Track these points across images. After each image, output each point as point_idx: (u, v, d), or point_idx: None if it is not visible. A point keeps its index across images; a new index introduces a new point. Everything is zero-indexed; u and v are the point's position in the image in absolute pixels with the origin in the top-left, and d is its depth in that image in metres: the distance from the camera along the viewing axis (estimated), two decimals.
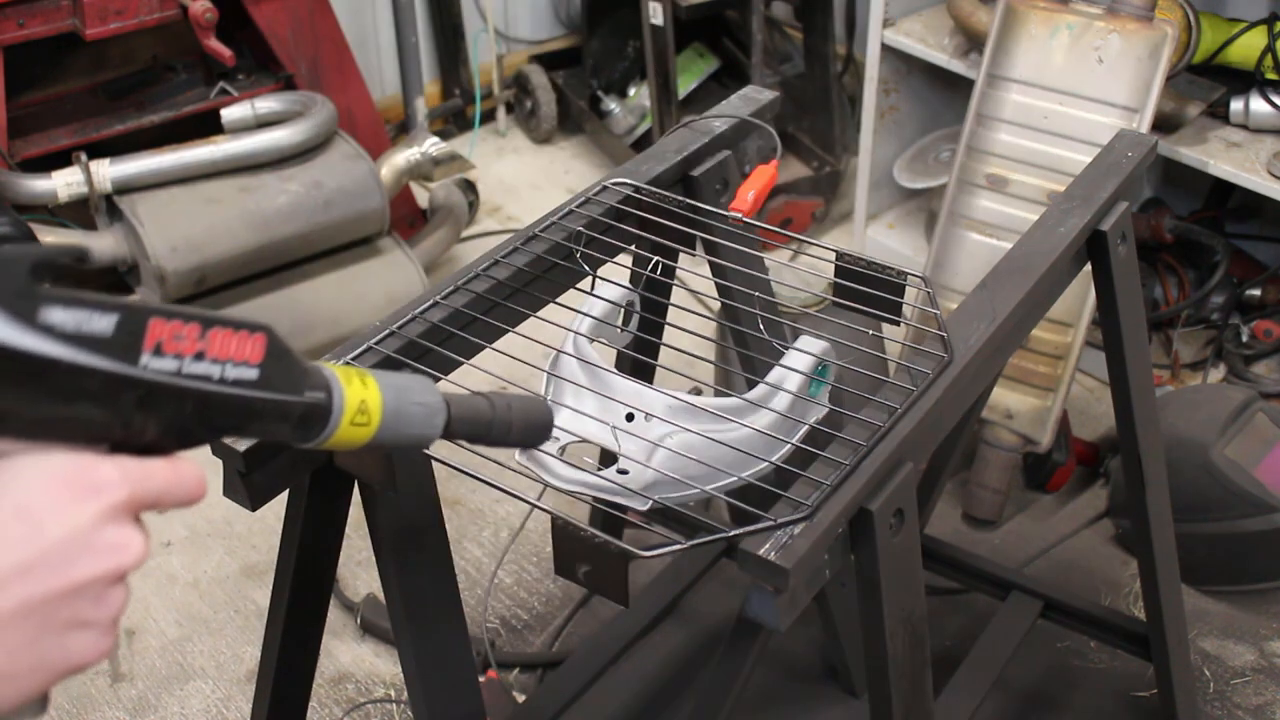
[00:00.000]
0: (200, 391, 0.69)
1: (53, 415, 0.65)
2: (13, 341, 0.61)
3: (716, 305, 2.15)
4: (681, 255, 1.68)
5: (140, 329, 0.66)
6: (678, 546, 1.01)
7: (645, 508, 1.15)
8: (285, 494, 1.25)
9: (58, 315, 0.63)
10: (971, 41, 2.70)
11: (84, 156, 2.60)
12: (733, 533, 1.03)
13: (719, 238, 1.52)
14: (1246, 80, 2.48)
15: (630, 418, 1.26)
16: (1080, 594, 2.09)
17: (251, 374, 0.72)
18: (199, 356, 0.69)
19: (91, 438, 0.67)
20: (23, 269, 0.62)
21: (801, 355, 1.23)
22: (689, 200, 1.51)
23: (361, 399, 0.82)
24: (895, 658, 1.20)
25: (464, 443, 0.92)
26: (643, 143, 3.48)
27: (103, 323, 0.65)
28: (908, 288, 1.30)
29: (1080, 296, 2.30)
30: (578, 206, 1.47)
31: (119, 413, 0.66)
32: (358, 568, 2.36)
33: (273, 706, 1.41)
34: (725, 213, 1.47)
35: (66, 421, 0.65)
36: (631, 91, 3.64)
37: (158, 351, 0.67)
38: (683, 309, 1.41)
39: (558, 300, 1.41)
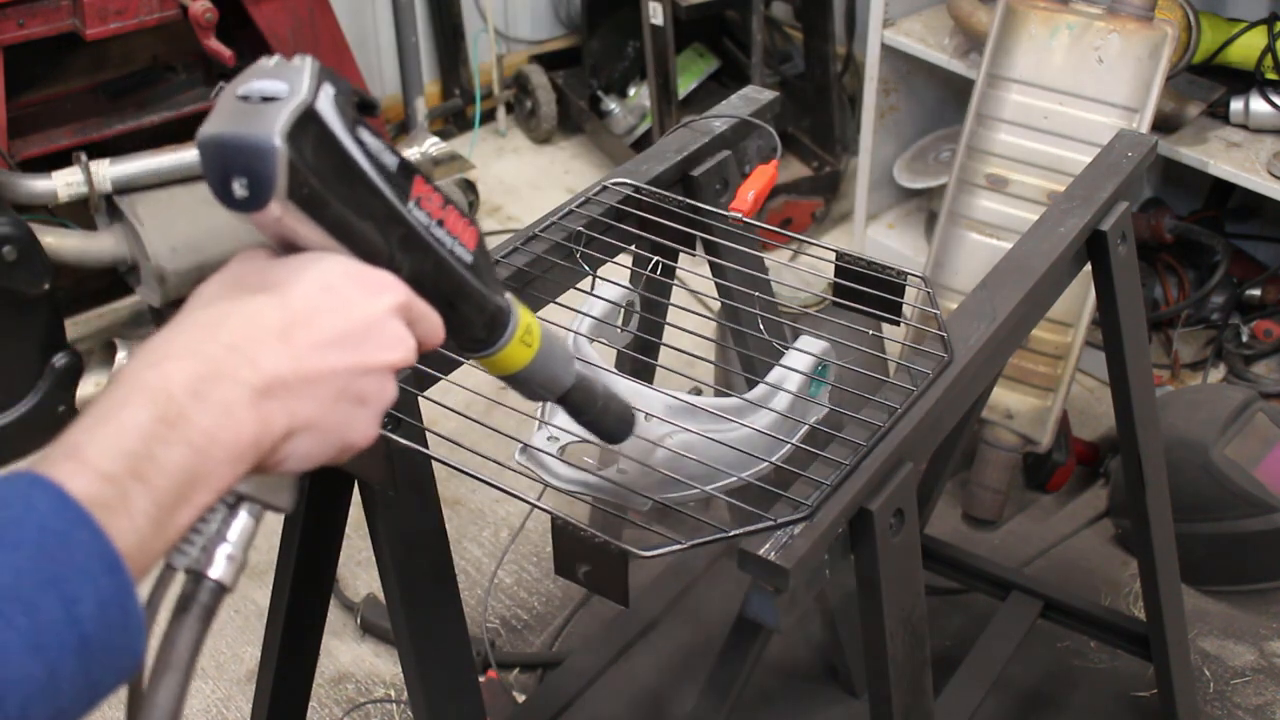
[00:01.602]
0: (437, 254, 0.81)
1: (349, 222, 0.75)
2: (343, 140, 0.73)
3: (716, 305, 2.15)
4: (681, 255, 1.68)
5: (410, 179, 0.78)
6: (678, 546, 1.01)
7: (645, 508, 1.15)
8: None
9: (367, 136, 0.75)
10: (971, 41, 2.70)
11: (84, 156, 2.60)
12: (733, 533, 1.03)
13: (719, 238, 1.52)
14: (1246, 80, 2.48)
15: None
16: (1080, 594, 2.09)
17: (468, 257, 0.84)
18: (440, 223, 0.81)
19: (369, 259, 0.76)
20: (348, 89, 0.74)
21: (801, 355, 1.23)
22: (689, 200, 1.51)
23: (528, 322, 0.91)
24: (895, 658, 1.20)
25: (566, 415, 1.00)
26: (643, 143, 3.48)
27: (391, 159, 0.77)
28: (908, 288, 1.30)
29: (1080, 296, 2.30)
30: (578, 206, 1.47)
31: (388, 243, 0.77)
32: (358, 568, 2.36)
33: (273, 706, 1.41)
34: (725, 213, 1.47)
35: (358, 234, 0.75)
36: (631, 91, 3.64)
37: (418, 204, 0.79)
38: (683, 309, 1.41)
39: (558, 300, 1.40)
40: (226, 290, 0.74)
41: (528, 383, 0.94)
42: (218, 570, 0.73)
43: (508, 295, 0.89)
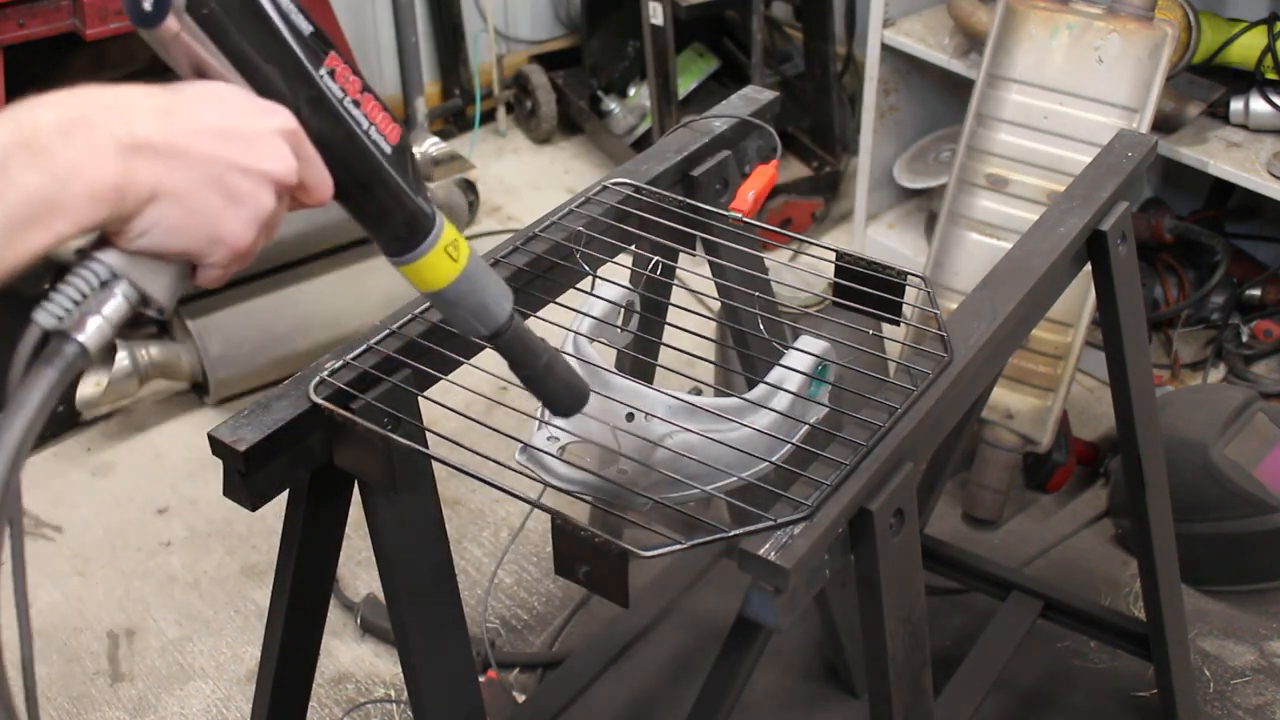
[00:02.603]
0: (349, 128, 0.86)
1: (252, 59, 0.81)
2: None
3: (716, 305, 2.15)
4: (681, 255, 1.67)
5: (325, 50, 0.84)
6: (678, 546, 1.01)
7: (645, 508, 1.15)
8: (285, 494, 1.25)
9: None
10: (971, 41, 2.70)
11: None
12: (733, 533, 1.03)
13: (719, 238, 1.52)
14: (1246, 80, 2.48)
15: (630, 418, 1.26)
16: (1080, 594, 2.09)
17: (386, 148, 0.88)
18: (356, 103, 0.86)
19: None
20: None
21: (801, 355, 1.23)
22: (689, 200, 1.51)
23: (455, 237, 0.94)
24: (895, 658, 1.20)
25: (508, 371, 1.02)
26: (643, 143, 3.48)
27: (304, 24, 0.83)
28: (908, 288, 1.30)
29: (1080, 296, 2.30)
30: (578, 206, 1.47)
31: (295, 98, 0.83)
32: (358, 568, 2.36)
33: (273, 706, 1.41)
34: (725, 213, 1.47)
35: (262, 74, 0.82)
36: (631, 91, 3.64)
37: (331, 75, 0.85)
38: (683, 309, 1.41)
39: (558, 300, 1.40)
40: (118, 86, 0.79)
41: (456, 305, 0.97)
42: (84, 335, 0.76)
43: (434, 204, 0.94)
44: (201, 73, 0.81)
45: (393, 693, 2.15)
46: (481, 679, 2.06)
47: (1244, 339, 2.68)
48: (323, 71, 0.84)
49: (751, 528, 1.03)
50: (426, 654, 1.32)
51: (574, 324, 1.34)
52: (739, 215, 1.46)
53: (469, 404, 1.23)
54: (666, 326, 1.61)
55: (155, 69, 3.11)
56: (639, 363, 1.70)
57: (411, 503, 1.25)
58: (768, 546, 1.03)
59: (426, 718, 1.35)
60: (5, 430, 0.72)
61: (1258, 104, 2.45)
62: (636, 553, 1.00)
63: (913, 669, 1.23)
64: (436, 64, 3.72)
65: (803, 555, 1.02)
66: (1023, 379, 2.39)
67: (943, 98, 3.08)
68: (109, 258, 0.77)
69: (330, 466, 1.22)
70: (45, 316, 0.76)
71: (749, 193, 1.51)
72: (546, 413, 1.25)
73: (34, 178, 0.70)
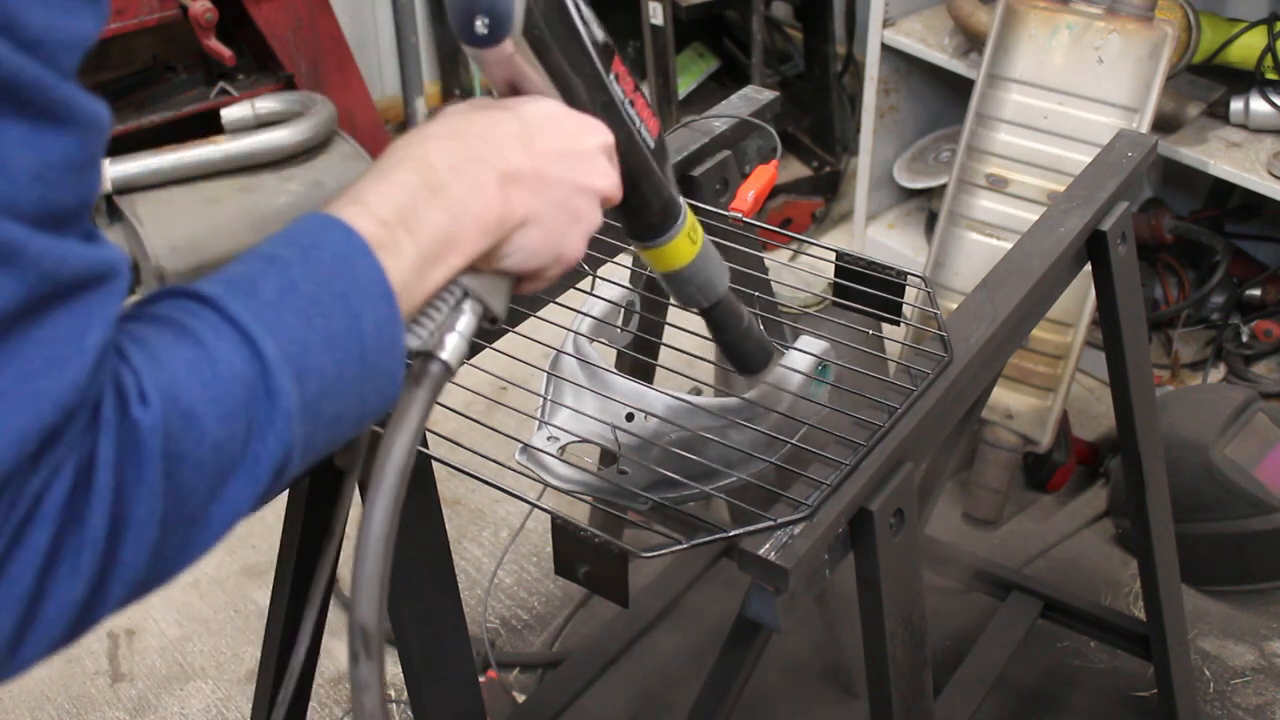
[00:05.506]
0: (627, 129, 0.91)
1: (566, 73, 0.86)
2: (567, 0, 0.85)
3: None
4: None
5: (610, 56, 0.90)
6: (678, 546, 1.01)
7: (645, 508, 1.15)
8: (285, 494, 1.25)
9: (584, 6, 0.88)
10: (971, 41, 2.70)
11: None
12: (733, 533, 1.03)
13: (719, 238, 1.51)
14: (1246, 80, 2.48)
15: (630, 418, 1.26)
16: (1080, 594, 2.09)
17: (651, 143, 0.93)
18: (631, 104, 0.91)
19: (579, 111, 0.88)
20: None
21: (801, 355, 1.23)
22: (689, 200, 1.51)
23: (695, 221, 1.00)
24: (895, 658, 1.20)
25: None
26: None
27: (599, 33, 0.89)
28: (908, 288, 1.30)
29: (1080, 296, 2.30)
30: None
31: (593, 105, 0.88)
32: None
33: (273, 706, 1.41)
34: (725, 213, 1.47)
35: (572, 86, 0.87)
36: None
37: (617, 79, 0.90)
38: (683, 309, 1.40)
39: (558, 300, 1.40)
40: (467, 109, 0.84)
41: (689, 282, 1.02)
42: (446, 353, 0.80)
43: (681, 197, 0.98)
44: (517, 88, 0.85)
45: (393, 693, 2.15)
46: (481, 679, 2.06)
47: (1244, 339, 2.68)
48: (610, 77, 0.89)
49: (751, 528, 1.03)
50: (426, 654, 1.32)
51: (574, 324, 1.34)
52: (739, 215, 1.46)
53: (469, 404, 1.23)
54: (666, 326, 1.61)
55: (155, 67, 3.11)
56: (639, 363, 1.70)
57: (411, 503, 1.25)
58: (768, 546, 1.03)
59: (426, 718, 1.35)
60: (391, 449, 0.76)
61: (1258, 104, 2.45)
62: (636, 553, 1.00)
63: (913, 669, 1.23)
64: (436, 64, 3.72)
65: (803, 555, 1.02)
66: (1023, 379, 2.39)
67: (943, 98, 3.08)
68: (464, 278, 0.81)
69: (330, 466, 1.22)
70: (412, 339, 0.79)
71: (749, 193, 1.51)
72: (547, 412, 1.25)
73: (438, 216, 0.76)
